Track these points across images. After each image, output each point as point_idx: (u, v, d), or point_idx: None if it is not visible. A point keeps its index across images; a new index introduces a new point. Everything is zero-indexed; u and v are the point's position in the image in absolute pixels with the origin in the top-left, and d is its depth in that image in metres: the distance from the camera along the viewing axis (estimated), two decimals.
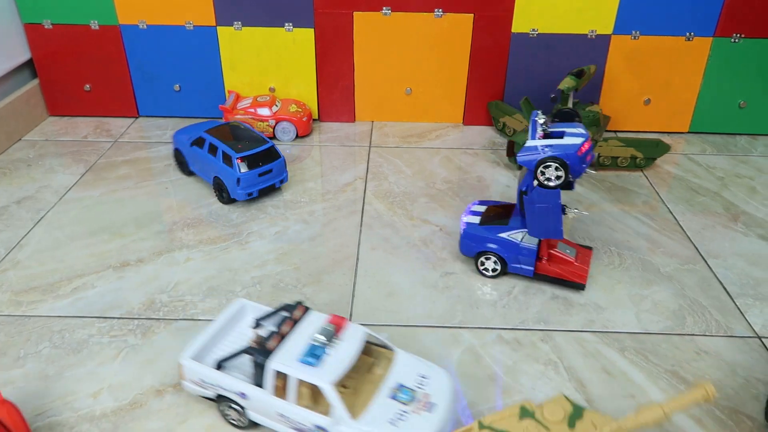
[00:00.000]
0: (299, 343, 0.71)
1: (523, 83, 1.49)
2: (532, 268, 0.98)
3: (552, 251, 0.99)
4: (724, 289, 1.00)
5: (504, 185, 1.29)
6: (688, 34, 1.43)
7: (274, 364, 0.69)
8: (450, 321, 0.92)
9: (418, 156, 1.41)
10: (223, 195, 1.18)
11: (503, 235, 0.98)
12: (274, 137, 1.43)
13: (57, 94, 1.54)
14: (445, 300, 0.96)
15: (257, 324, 0.79)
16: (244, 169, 1.14)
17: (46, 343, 0.87)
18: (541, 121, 0.92)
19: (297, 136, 1.44)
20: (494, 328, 0.91)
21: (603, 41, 1.44)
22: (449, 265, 1.04)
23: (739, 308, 0.96)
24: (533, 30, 1.43)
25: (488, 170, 1.35)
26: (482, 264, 1.00)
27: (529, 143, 0.89)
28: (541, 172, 0.88)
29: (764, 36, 1.43)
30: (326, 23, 1.44)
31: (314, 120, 1.56)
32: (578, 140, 0.87)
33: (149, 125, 1.53)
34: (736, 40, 1.43)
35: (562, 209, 0.92)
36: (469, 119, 1.56)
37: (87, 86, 1.52)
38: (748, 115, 1.52)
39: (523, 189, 0.92)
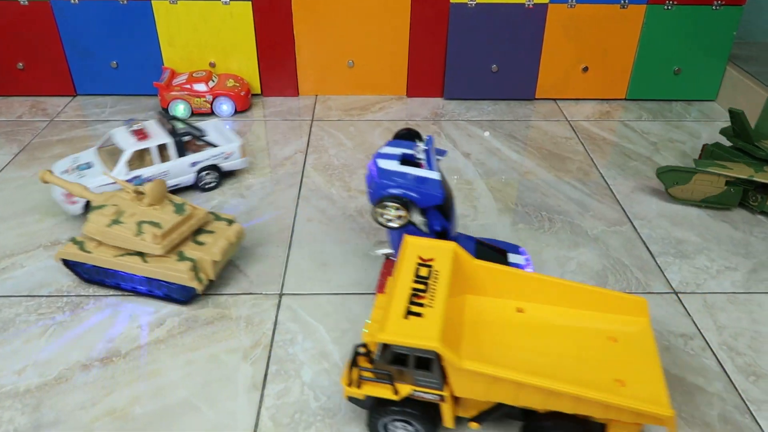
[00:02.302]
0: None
1: (464, 54, 1.50)
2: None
3: None
4: (647, 248, 1.04)
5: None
6: (622, 1, 1.45)
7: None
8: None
9: (360, 128, 1.42)
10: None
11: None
12: (212, 113, 1.42)
13: None
14: (376, 268, 0.98)
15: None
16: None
17: None
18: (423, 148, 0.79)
19: (236, 111, 1.43)
20: None
21: (540, 10, 1.45)
22: (383, 233, 1.06)
23: (659, 266, 1.00)
24: (471, 0, 1.44)
25: None
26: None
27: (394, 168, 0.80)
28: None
29: (696, 2, 1.46)
30: None
31: (257, 95, 1.55)
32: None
33: (87, 103, 1.51)
34: (669, 7, 1.46)
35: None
36: (412, 91, 1.56)
37: (20, 64, 1.48)
38: (683, 81, 1.55)
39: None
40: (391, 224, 0.81)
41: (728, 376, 0.80)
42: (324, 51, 1.51)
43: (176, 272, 0.86)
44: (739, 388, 0.78)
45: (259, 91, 1.54)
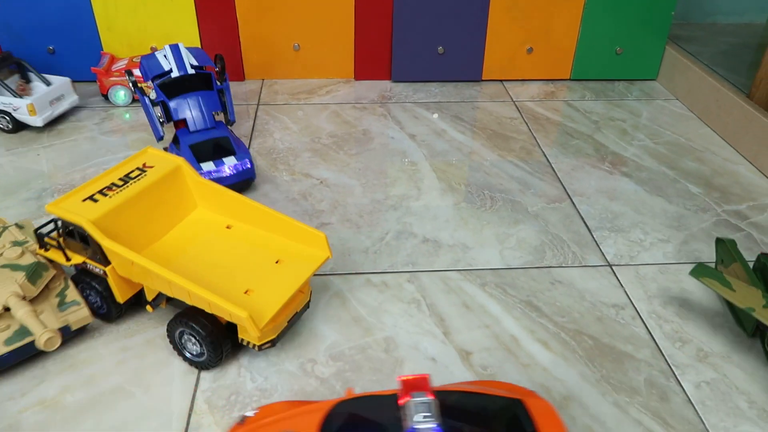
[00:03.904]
0: None
1: (410, 36, 1.50)
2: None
3: None
4: (585, 223, 1.06)
5: (389, 137, 1.31)
6: None
7: None
8: (321, 269, 0.94)
9: (306, 112, 1.41)
10: None
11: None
12: None
13: None
14: None
15: None
16: None
17: None
18: None
19: None
20: (363, 273, 0.93)
21: None
22: (326, 216, 1.06)
23: (595, 240, 1.02)
24: None
25: (375, 123, 1.36)
26: None
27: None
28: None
29: None
30: None
31: None
32: None
33: None
34: None
35: None
36: (360, 74, 1.56)
37: None
38: (625, 61, 1.59)
39: None
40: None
41: (656, 343, 0.83)
42: (269, 34, 1.49)
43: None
44: (665, 354, 0.81)
45: None
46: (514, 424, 0.58)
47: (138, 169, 0.86)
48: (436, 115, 1.41)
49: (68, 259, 0.80)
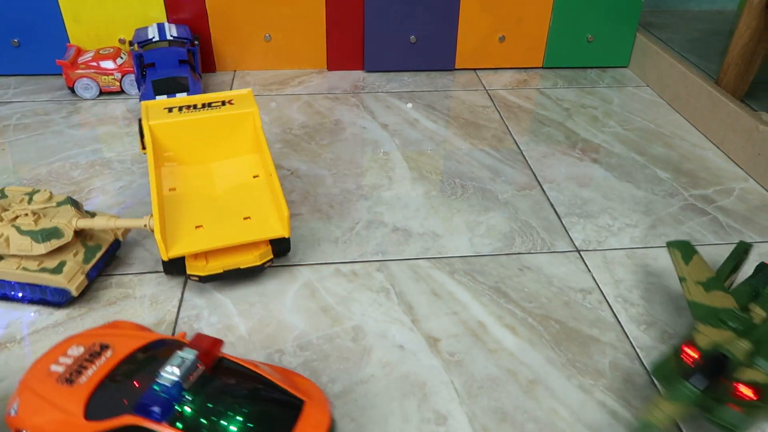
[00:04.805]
0: None
1: (382, 25, 1.49)
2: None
3: None
4: (554, 210, 1.07)
5: (360, 127, 1.31)
6: None
7: None
8: (290, 260, 0.93)
9: (278, 102, 1.40)
10: None
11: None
12: (122, 91, 1.37)
13: None
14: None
15: None
16: None
17: None
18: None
19: None
20: (333, 263, 0.93)
21: None
22: (296, 206, 1.05)
23: (564, 226, 1.03)
24: None
25: (347, 113, 1.36)
26: None
27: None
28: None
29: None
30: None
31: None
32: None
33: None
34: None
35: None
36: (332, 64, 1.55)
37: None
38: (597, 48, 1.60)
39: None
40: None
41: (621, 326, 0.84)
42: (239, 25, 1.47)
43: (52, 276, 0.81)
44: (630, 337, 0.82)
45: None
46: (270, 421, 0.58)
47: (223, 102, 0.97)
48: (410, 105, 1.41)
49: (143, 147, 0.95)
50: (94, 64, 1.33)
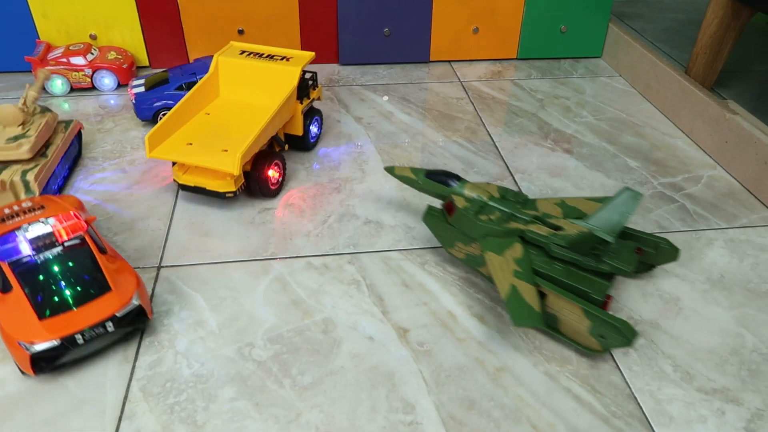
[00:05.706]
0: None
1: (355, 18, 1.49)
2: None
3: None
4: None
5: (335, 120, 1.31)
6: None
7: None
8: (262, 254, 0.94)
9: None
10: None
11: (169, 93, 1.22)
12: (93, 87, 1.36)
13: None
14: (259, 235, 0.98)
15: None
16: None
17: None
18: None
19: (119, 85, 1.38)
20: (304, 256, 0.94)
21: None
22: (269, 201, 1.05)
23: None
24: None
25: (321, 107, 1.35)
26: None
27: None
28: None
29: None
30: None
31: (145, 67, 1.49)
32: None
33: None
34: None
35: None
36: None
37: None
38: (570, 39, 1.61)
39: None
40: None
41: None
42: (212, 19, 1.46)
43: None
44: None
45: (147, 63, 1.49)
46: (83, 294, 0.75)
47: (282, 57, 1.13)
48: (386, 98, 1.41)
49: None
50: (64, 60, 1.31)
